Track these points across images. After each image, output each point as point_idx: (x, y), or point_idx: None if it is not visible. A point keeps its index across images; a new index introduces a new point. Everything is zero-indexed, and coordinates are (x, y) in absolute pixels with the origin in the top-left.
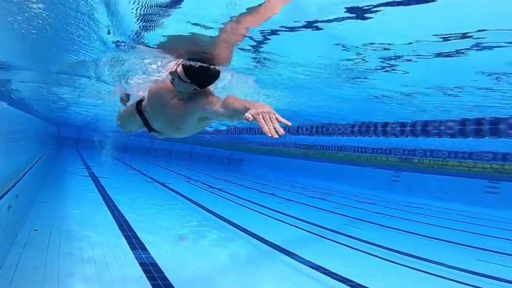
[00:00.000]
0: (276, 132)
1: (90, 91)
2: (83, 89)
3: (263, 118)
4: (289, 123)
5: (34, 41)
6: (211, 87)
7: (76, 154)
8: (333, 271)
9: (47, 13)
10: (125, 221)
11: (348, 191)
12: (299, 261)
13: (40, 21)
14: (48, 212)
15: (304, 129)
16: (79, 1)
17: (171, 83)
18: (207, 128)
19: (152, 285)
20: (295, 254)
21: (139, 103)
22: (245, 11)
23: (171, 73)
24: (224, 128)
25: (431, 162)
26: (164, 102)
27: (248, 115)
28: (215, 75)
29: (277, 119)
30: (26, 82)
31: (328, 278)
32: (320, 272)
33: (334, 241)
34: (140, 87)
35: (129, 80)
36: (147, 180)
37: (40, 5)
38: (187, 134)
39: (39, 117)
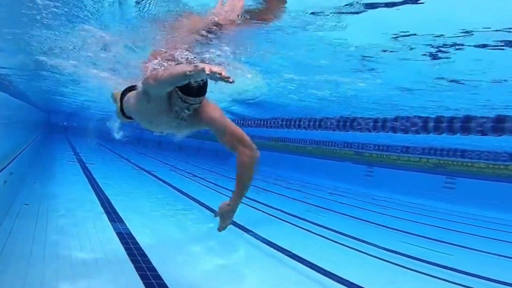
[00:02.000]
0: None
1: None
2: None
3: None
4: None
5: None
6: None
7: (65, 140)
8: (293, 251)
9: None
10: (107, 199)
11: (324, 184)
12: (260, 240)
13: None
14: (38, 191)
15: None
16: None
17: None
18: None
19: (125, 248)
20: (254, 232)
21: (124, 92)
22: None
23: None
24: None
25: (402, 158)
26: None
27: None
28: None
29: None
30: (16, 69)
31: (285, 256)
32: (279, 251)
33: (296, 225)
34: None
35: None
36: (134, 167)
37: None
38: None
39: (30, 103)
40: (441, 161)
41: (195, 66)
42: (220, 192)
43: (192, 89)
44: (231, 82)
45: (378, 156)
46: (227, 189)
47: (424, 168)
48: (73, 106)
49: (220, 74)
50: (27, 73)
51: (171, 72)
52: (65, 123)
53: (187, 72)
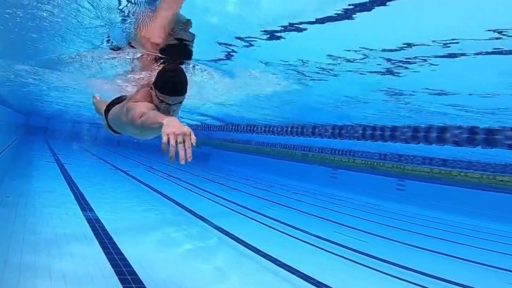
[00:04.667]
0: None
1: (58, 84)
2: (51, 82)
3: None
4: None
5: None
6: None
7: (43, 142)
8: (250, 243)
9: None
10: (80, 192)
11: (292, 185)
12: (221, 232)
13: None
14: (18, 186)
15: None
16: None
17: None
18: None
19: (92, 230)
20: (215, 224)
21: (109, 106)
22: None
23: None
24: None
25: (364, 162)
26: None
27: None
28: None
29: None
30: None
31: (241, 245)
32: (237, 241)
33: (255, 220)
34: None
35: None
36: (110, 167)
37: None
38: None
39: (9, 107)
40: (394, 166)
41: (162, 123)
42: (194, 192)
43: (167, 88)
44: (193, 146)
45: (342, 160)
46: (201, 188)
47: (380, 171)
48: (52, 109)
49: (182, 141)
50: (5, 78)
51: (146, 122)
52: (44, 125)
53: (156, 126)
